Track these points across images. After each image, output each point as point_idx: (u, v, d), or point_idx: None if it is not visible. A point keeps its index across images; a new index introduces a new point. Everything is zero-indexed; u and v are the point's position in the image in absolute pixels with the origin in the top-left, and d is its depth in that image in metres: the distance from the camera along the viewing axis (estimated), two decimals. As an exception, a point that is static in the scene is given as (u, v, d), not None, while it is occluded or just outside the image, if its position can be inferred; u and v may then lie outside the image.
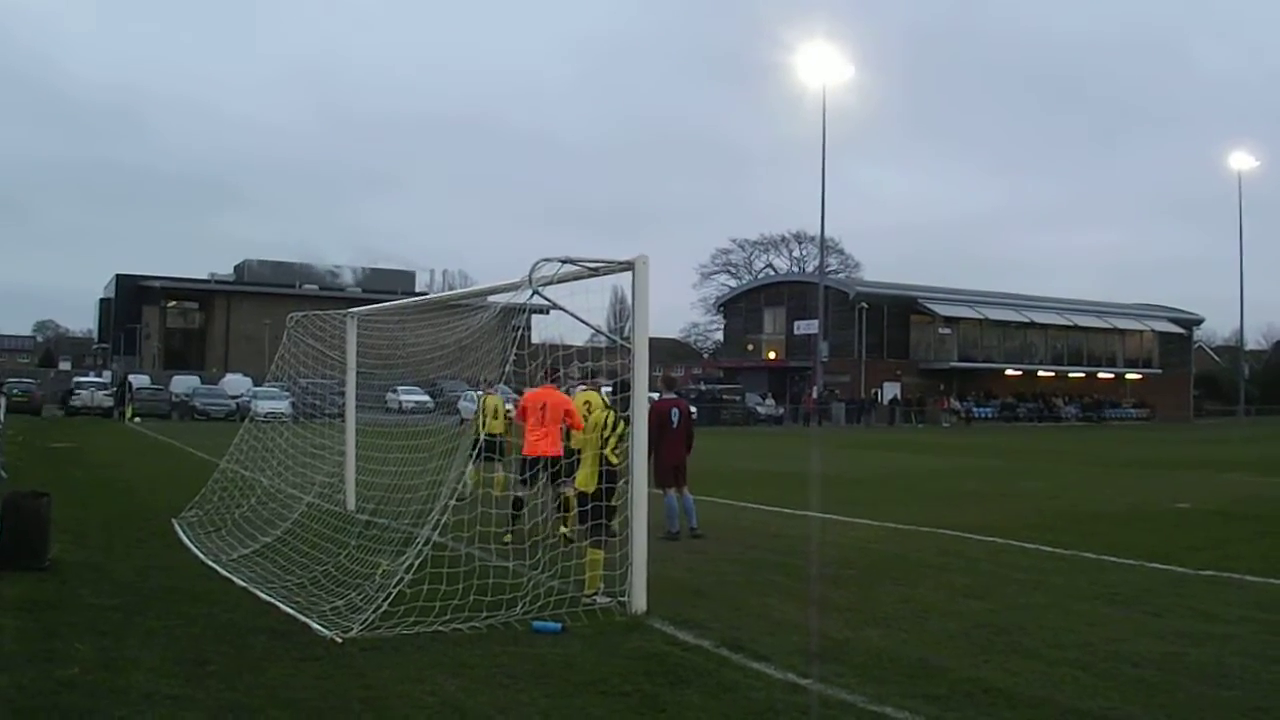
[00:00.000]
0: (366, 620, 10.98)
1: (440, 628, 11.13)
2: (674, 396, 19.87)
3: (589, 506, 13.10)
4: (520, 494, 17.05)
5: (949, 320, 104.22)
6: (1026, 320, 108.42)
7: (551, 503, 17.36)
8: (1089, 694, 9.36)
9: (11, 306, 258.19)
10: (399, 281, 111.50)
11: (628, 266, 12.60)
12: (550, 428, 16.71)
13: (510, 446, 18.89)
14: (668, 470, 18.04)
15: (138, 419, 63.51)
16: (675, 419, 18.45)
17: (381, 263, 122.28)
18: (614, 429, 13.20)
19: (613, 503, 13.17)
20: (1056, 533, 18.96)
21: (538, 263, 12.05)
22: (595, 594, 12.81)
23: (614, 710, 8.81)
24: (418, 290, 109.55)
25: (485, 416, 19.53)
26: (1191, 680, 9.84)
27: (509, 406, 19.90)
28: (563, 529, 16.30)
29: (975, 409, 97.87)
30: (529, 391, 17.15)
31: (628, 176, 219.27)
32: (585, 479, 13.37)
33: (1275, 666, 10.32)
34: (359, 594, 11.88)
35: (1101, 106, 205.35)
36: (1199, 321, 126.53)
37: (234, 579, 13.82)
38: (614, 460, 13.16)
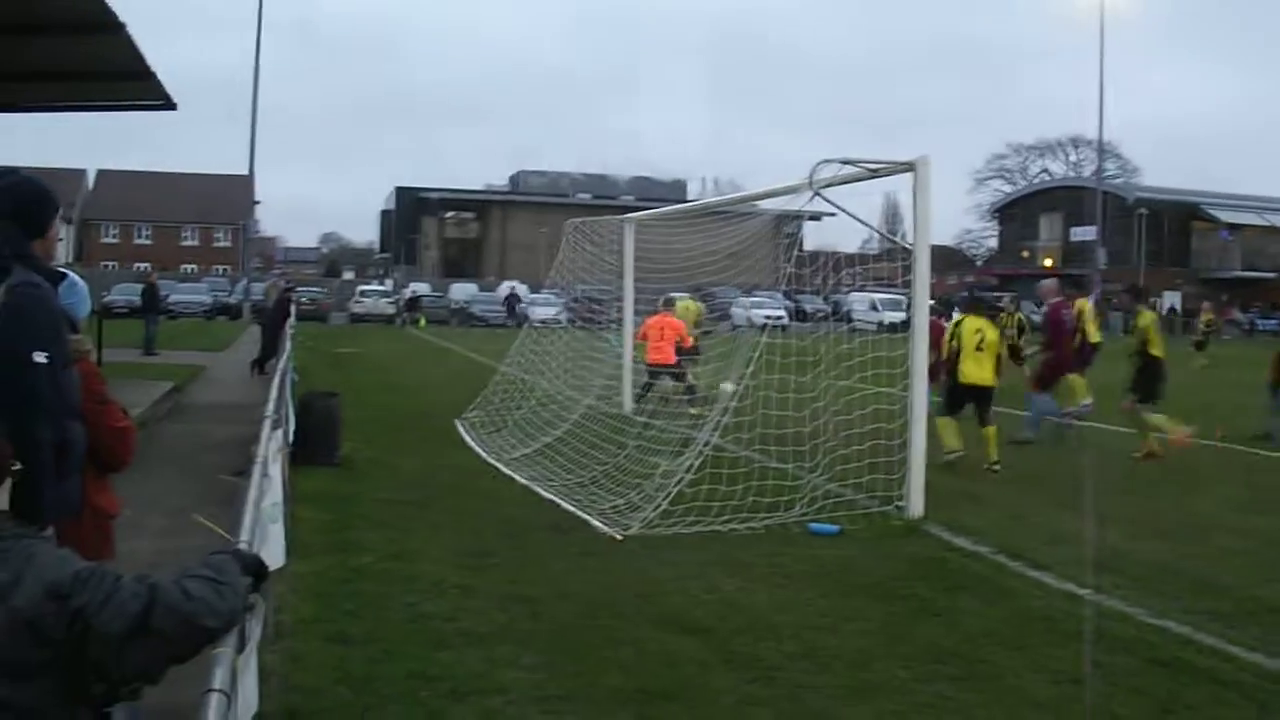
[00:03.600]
0: (646, 518, 11.12)
1: (718, 528, 11.20)
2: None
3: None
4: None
5: (1233, 227, 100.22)
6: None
7: None
8: (1385, 620, 8.93)
9: (299, 220, 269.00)
10: (670, 191, 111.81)
11: (908, 167, 12.40)
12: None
13: None
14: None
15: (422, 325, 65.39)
16: None
17: (651, 171, 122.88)
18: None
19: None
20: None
21: (818, 164, 11.93)
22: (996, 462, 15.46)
23: (890, 612, 8.79)
24: (689, 199, 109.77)
25: None
26: None
27: None
28: None
29: (1259, 321, 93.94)
30: None
31: (893, 81, 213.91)
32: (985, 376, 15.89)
33: None
34: (638, 493, 12.03)
35: None
36: None
37: (516, 477, 14.15)
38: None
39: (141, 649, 2.84)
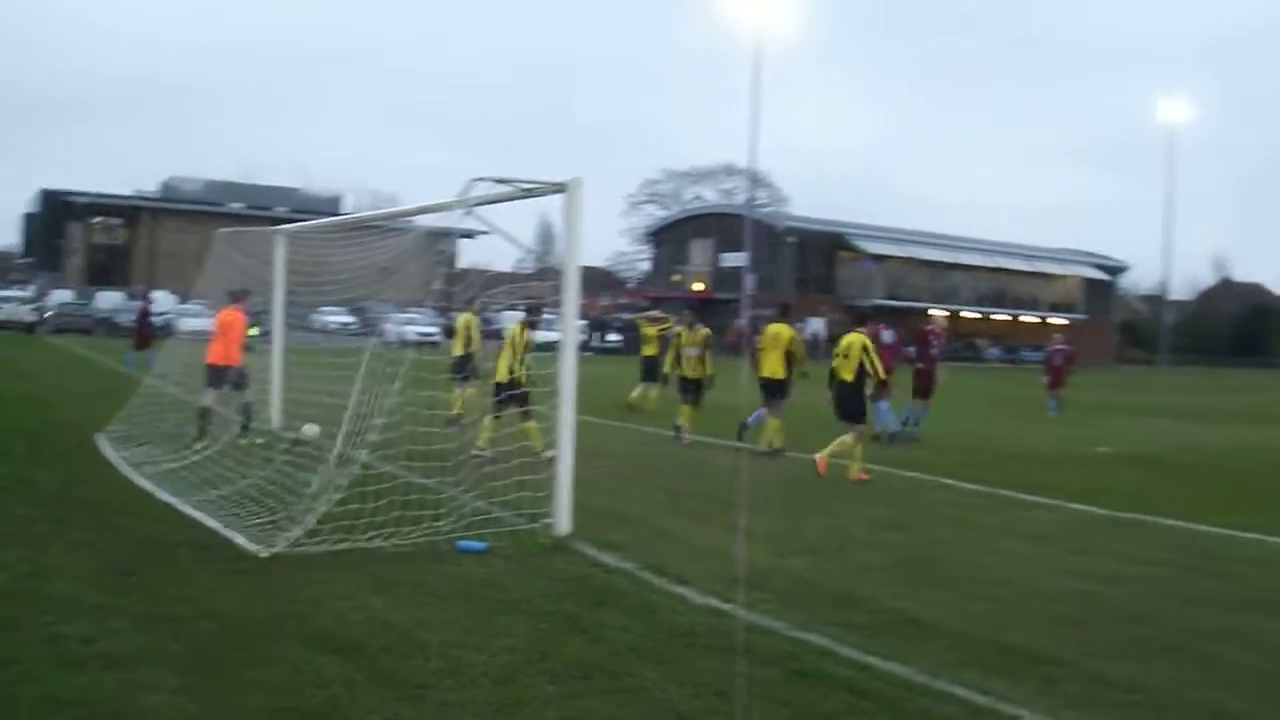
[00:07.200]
0: (294, 537, 10.96)
1: (366, 545, 11.17)
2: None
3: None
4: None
5: (877, 258, 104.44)
6: (953, 261, 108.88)
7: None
8: (1007, 628, 9.52)
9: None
10: (325, 204, 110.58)
11: (561, 188, 12.58)
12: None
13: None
14: None
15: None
16: None
17: (307, 183, 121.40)
18: None
19: None
20: (978, 470, 19.13)
21: (471, 181, 11.99)
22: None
23: (536, 629, 8.90)
24: (344, 213, 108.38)
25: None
26: (1107, 618, 10.05)
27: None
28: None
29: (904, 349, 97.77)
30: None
31: (555, 102, 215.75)
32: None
33: (1189, 607, 10.54)
34: (284, 510, 11.86)
35: (1036, 45, 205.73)
36: (1124, 269, 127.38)
37: (158, 493, 13.75)
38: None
39: None
